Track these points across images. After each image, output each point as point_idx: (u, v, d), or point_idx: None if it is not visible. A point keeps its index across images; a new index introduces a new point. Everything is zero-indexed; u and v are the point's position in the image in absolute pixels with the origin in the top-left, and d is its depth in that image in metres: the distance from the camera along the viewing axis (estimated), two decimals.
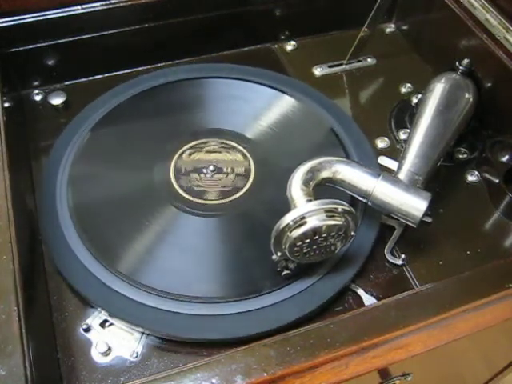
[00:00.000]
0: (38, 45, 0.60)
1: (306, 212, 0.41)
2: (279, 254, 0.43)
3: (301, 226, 0.41)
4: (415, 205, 0.44)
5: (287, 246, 0.42)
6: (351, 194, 0.46)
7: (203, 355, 0.44)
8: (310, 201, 0.42)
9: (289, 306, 0.45)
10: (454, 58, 0.56)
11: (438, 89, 0.52)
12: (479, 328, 0.39)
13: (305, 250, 0.42)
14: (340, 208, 0.41)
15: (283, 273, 0.45)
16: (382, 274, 0.49)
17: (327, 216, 0.41)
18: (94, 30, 0.62)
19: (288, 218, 0.41)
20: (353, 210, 0.42)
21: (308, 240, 0.41)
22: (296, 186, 0.43)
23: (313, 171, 0.44)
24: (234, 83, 0.62)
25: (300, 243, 0.41)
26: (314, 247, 0.42)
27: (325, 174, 0.45)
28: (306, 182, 0.44)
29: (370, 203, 0.46)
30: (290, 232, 0.41)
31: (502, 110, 0.58)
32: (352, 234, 0.43)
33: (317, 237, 0.41)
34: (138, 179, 0.53)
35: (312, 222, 0.40)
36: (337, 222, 0.41)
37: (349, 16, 0.71)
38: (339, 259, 0.48)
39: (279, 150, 0.56)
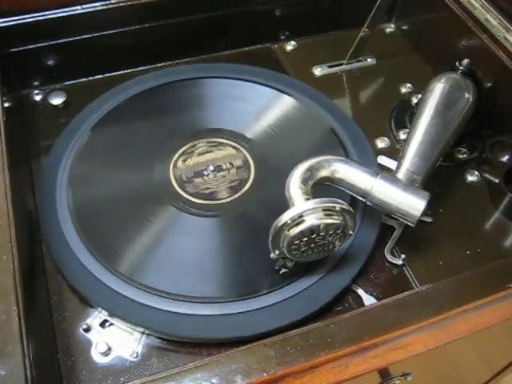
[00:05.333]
0: (38, 45, 0.60)
1: (303, 210, 0.41)
2: (277, 252, 0.43)
3: (299, 224, 0.41)
4: (413, 204, 0.44)
5: (285, 244, 0.42)
6: (350, 193, 0.46)
7: (203, 355, 0.44)
8: (308, 199, 0.42)
9: (289, 306, 0.45)
10: (454, 58, 0.56)
11: (438, 89, 0.52)
12: (479, 328, 0.39)
13: (303, 249, 0.42)
14: (338, 207, 0.41)
15: (281, 271, 0.45)
16: (382, 274, 0.49)
17: (325, 215, 0.41)
18: (94, 30, 0.62)
19: (286, 217, 0.41)
20: (351, 209, 0.42)
21: (306, 238, 0.41)
22: (294, 185, 0.44)
23: (311, 170, 0.45)
24: (234, 83, 0.62)
25: (298, 241, 0.41)
26: (312, 246, 0.42)
27: (323, 173, 0.45)
28: (304, 181, 0.44)
29: (368, 202, 0.46)
30: (288, 230, 0.41)
31: (501, 110, 0.58)
32: (350, 232, 0.43)
33: (314, 235, 0.41)
34: (138, 179, 0.53)
35: (310, 221, 0.40)
36: (335, 220, 0.41)
37: (349, 16, 0.71)
38: (339, 259, 0.48)
39: (279, 150, 0.56)
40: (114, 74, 0.66)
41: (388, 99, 0.64)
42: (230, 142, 0.56)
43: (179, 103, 0.60)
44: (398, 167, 0.48)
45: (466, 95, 0.53)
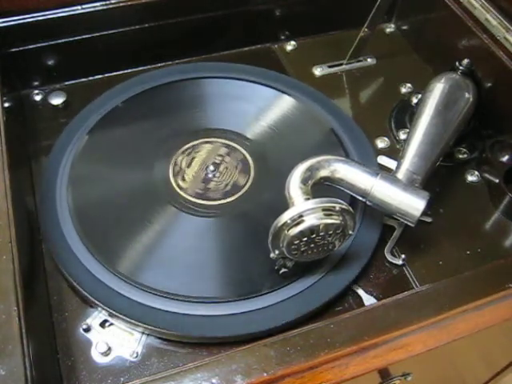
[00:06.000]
0: (38, 45, 0.60)
1: (303, 210, 0.41)
2: (277, 252, 0.43)
3: (298, 224, 0.41)
4: (413, 204, 0.44)
5: (285, 244, 0.42)
6: (350, 192, 0.46)
7: (203, 355, 0.44)
8: (308, 199, 0.42)
9: (289, 306, 0.45)
10: (454, 58, 0.56)
11: (438, 88, 0.52)
12: (479, 328, 0.39)
13: (302, 249, 0.42)
14: (338, 206, 0.41)
15: (281, 271, 0.45)
16: (382, 274, 0.49)
17: (325, 214, 0.41)
18: (94, 30, 0.62)
19: (286, 216, 0.41)
20: (351, 209, 0.42)
21: (305, 238, 0.41)
22: (294, 185, 0.44)
23: (311, 170, 0.45)
24: (234, 83, 0.61)
25: (297, 241, 0.41)
26: (312, 245, 0.42)
27: (323, 173, 0.45)
28: (304, 181, 0.44)
29: (368, 202, 0.46)
30: (288, 230, 0.41)
31: (502, 110, 0.58)
32: (350, 232, 0.43)
33: (314, 235, 0.41)
34: (138, 179, 0.53)
35: (309, 221, 0.40)
36: (334, 220, 0.41)
37: (349, 16, 0.71)
38: (340, 259, 0.48)
39: (279, 150, 0.56)
40: (114, 73, 0.66)
41: (388, 99, 0.64)
42: (229, 142, 0.56)
43: (179, 103, 0.60)
44: (398, 167, 0.48)
45: (466, 95, 0.53)
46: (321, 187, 0.45)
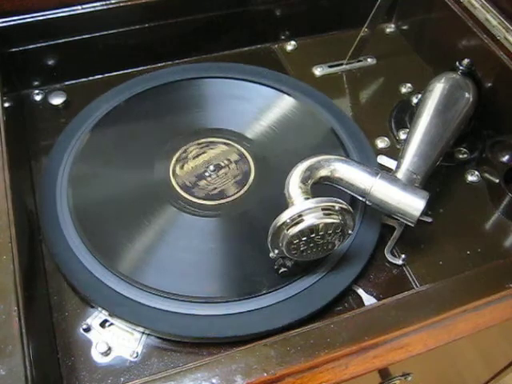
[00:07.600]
0: (38, 45, 0.60)
1: (303, 210, 0.41)
2: (276, 251, 0.43)
3: (298, 223, 0.41)
4: (413, 204, 0.44)
5: (284, 243, 0.42)
6: (349, 192, 0.46)
7: (203, 355, 0.44)
8: (308, 199, 0.42)
9: (289, 306, 0.45)
10: (454, 58, 0.56)
11: (438, 88, 0.52)
12: (479, 328, 0.39)
13: (302, 248, 0.42)
14: (337, 206, 0.41)
15: (280, 271, 0.45)
16: (382, 274, 0.49)
17: (324, 214, 0.41)
18: (94, 30, 0.62)
19: (285, 216, 0.41)
20: (350, 209, 0.42)
21: (305, 238, 0.41)
22: (294, 184, 0.44)
23: (311, 169, 0.45)
24: (234, 83, 0.62)
25: (297, 241, 0.41)
26: (311, 245, 0.42)
27: (323, 173, 0.45)
28: (304, 180, 0.44)
29: (368, 202, 0.46)
30: (287, 229, 0.41)
31: (501, 110, 0.58)
32: (349, 232, 0.43)
33: (314, 235, 0.41)
34: (138, 179, 0.53)
35: (309, 220, 0.40)
36: (334, 220, 0.41)
37: (349, 16, 0.71)
38: (340, 259, 0.48)
39: (279, 149, 0.56)
40: (114, 73, 0.66)
41: (388, 99, 0.64)
42: (229, 143, 0.56)
43: (179, 103, 0.60)
44: (398, 167, 0.48)
45: (466, 95, 0.53)
46: (321, 187, 0.45)
